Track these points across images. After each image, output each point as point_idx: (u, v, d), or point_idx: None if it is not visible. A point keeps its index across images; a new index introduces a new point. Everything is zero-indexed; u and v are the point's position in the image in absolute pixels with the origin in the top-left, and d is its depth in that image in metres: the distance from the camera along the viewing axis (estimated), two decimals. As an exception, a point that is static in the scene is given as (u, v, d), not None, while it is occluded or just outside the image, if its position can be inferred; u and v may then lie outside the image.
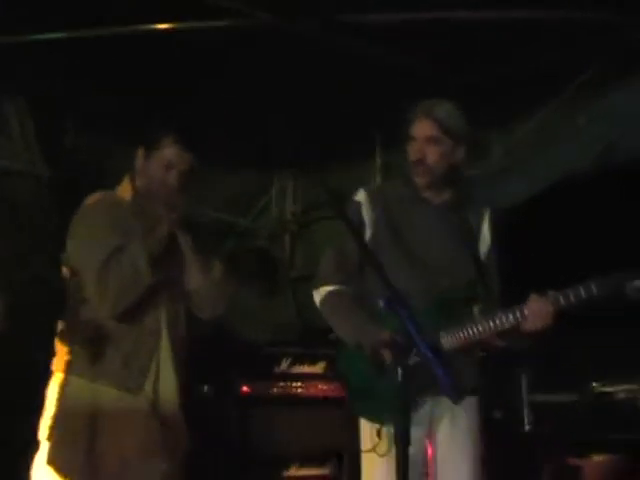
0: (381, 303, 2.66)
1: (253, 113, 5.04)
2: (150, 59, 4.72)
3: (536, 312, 3.15)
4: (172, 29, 4.59)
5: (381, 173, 5.76)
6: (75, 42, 4.70)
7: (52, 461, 3.15)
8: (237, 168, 5.84)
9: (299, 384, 4.95)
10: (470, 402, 3.30)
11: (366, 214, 3.35)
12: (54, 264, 4.35)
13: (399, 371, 2.61)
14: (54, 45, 4.73)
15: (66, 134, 5.46)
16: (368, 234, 3.33)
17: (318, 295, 3.40)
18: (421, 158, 3.30)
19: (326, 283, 3.38)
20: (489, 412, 4.66)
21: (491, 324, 3.20)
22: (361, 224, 3.33)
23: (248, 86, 4.92)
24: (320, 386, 4.96)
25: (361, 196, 3.38)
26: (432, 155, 3.29)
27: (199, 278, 3.35)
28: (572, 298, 3.13)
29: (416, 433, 3.03)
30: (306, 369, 5.00)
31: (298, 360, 4.98)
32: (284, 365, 4.93)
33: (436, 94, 3.51)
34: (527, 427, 4.63)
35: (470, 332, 3.21)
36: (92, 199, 3.35)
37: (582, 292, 3.11)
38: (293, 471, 4.83)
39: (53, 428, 3.19)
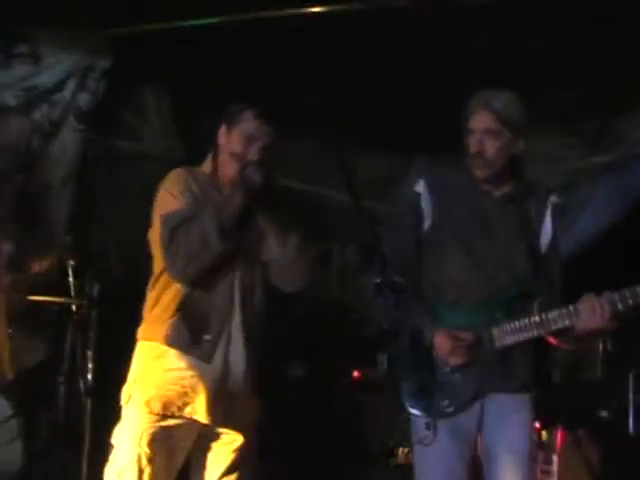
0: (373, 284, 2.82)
1: (394, 92, 5.07)
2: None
3: (590, 311, 3.08)
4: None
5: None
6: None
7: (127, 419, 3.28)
8: (381, 149, 5.85)
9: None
10: (521, 399, 3.26)
11: (425, 205, 3.35)
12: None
13: (385, 358, 2.70)
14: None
15: (198, 118, 5.66)
16: (427, 225, 3.34)
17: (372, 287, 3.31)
18: (480, 151, 3.27)
19: (383, 272, 3.19)
20: (595, 411, 4.54)
21: (543, 321, 3.16)
22: (420, 214, 3.34)
23: (386, 66, 4.93)
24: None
25: (420, 186, 3.37)
26: (491, 148, 3.27)
27: (275, 250, 3.39)
28: (629, 299, 3.04)
29: (467, 425, 3.25)
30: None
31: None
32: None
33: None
34: (632, 429, 4.46)
35: (520, 328, 3.17)
36: (175, 171, 3.43)
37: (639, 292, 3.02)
38: (402, 457, 4.80)
39: (131, 393, 3.30)
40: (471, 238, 3.30)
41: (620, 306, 3.06)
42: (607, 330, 3.11)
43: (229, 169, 3.37)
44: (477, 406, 3.23)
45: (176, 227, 3.24)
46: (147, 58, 5.33)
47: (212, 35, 5.16)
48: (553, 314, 3.14)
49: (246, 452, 3.36)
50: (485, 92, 3.32)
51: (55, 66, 5.26)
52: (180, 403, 3.25)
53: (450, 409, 3.21)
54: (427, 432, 3.16)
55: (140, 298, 3.49)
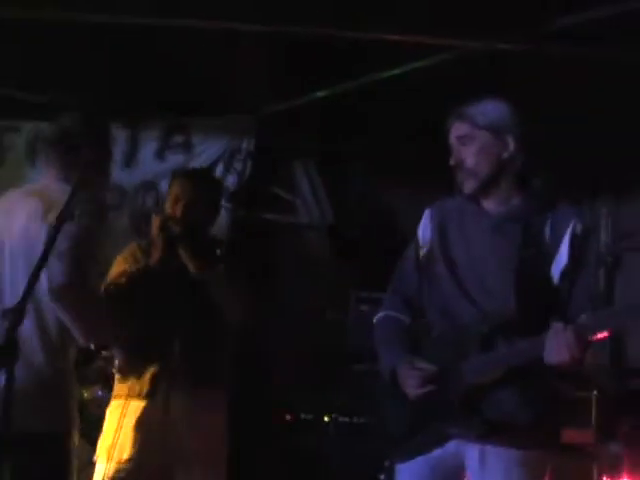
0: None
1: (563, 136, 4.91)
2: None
3: (553, 341, 2.65)
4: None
5: None
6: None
7: None
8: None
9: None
10: (512, 455, 2.79)
11: (422, 232, 3.11)
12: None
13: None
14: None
15: (353, 184, 5.88)
16: (422, 252, 3.09)
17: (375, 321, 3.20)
18: (458, 162, 2.96)
19: (383, 308, 3.18)
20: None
21: (507, 354, 2.79)
22: (418, 244, 3.11)
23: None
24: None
25: (425, 214, 3.14)
26: (469, 156, 2.93)
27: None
28: (597, 327, 2.65)
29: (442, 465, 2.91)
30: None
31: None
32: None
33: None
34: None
35: (486, 364, 2.81)
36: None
37: (611, 321, 2.66)
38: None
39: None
40: (459, 263, 2.98)
41: (589, 335, 2.65)
42: (579, 363, 2.65)
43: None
44: (452, 449, 2.87)
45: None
46: (291, 132, 5.63)
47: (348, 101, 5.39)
48: (517, 347, 2.77)
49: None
50: (466, 104, 3.02)
51: (205, 152, 5.75)
52: (132, 443, 3.50)
53: (413, 448, 2.92)
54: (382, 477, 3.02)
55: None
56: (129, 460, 3.49)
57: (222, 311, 3.62)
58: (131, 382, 3.59)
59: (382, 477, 2.99)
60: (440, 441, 2.87)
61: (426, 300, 3.06)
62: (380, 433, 3.09)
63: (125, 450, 3.50)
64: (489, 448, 2.82)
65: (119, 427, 3.48)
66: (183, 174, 3.89)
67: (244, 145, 5.70)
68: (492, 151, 2.93)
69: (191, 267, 3.60)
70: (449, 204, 3.10)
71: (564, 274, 2.86)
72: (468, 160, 2.94)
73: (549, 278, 2.87)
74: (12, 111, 5.78)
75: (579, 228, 2.88)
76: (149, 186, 5.72)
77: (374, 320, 3.18)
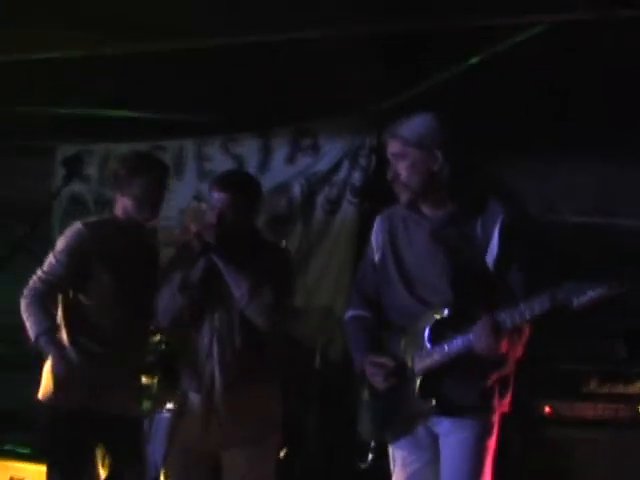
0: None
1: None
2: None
3: (478, 333, 3.07)
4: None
5: None
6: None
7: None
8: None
9: (612, 405, 4.53)
10: (466, 424, 3.22)
11: (374, 239, 3.44)
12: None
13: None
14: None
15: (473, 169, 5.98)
16: (376, 258, 3.42)
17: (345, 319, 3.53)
18: (394, 176, 3.29)
19: (350, 307, 3.51)
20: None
21: (445, 349, 3.17)
22: (372, 249, 3.44)
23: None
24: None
25: (377, 221, 3.49)
26: (402, 171, 3.26)
27: (235, 293, 3.77)
28: (517, 316, 3.03)
29: (415, 455, 3.33)
30: (621, 389, 4.59)
31: (611, 378, 4.60)
32: (593, 384, 4.60)
33: None
34: None
35: (434, 352, 3.19)
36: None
37: (526, 312, 3.01)
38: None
39: None
40: (407, 265, 3.33)
41: (509, 324, 3.05)
42: (504, 352, 3.09)
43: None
44: (425, 431, 3.29)
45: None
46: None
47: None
48: (451, 340, 3.16)
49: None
50: (398, 121, 3.35)
51: (330, 152, 6.04)
52: (181, 431, 3.91)
53: (391, 435, 3.33)
54: (370, 456, 3.31)
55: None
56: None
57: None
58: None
59: (370, 456, 3.35)
60: (412, 422, 3.29)
61: (384, 300, 3.41)
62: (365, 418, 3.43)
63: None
64: (447, 420, 3.24)
65: None
66: (215, 182, 3.91)
67: (367, 141, 5.91)
68: (422, 166, 3.26)
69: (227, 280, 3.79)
70: (396, 212, 3.43)
71: (497, 262, 3.21)
72: (402, 174, 3.28)
73: (486, 268, 3.23)
74: (157, 132, 6.32)
75: (507, 220, 3.23)
76: (282, 189, 6.10)
77: (344, 319, 3.54)
